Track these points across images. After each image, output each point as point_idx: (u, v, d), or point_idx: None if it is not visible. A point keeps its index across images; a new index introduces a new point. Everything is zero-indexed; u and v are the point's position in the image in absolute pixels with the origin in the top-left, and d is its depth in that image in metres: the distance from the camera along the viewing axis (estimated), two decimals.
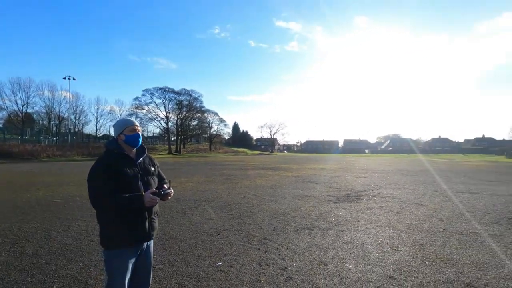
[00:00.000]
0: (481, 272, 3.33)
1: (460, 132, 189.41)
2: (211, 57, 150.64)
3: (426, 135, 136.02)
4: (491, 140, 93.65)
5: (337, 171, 18.25)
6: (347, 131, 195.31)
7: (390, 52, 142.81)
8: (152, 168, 2.13)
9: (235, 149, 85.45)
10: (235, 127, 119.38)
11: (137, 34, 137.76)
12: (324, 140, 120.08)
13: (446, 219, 5.89)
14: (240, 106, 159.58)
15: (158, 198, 1.88)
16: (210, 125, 78.18)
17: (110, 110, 62.30)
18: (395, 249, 4.10)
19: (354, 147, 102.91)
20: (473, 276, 3.23)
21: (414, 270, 3.39)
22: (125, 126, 2.03)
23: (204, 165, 24.65)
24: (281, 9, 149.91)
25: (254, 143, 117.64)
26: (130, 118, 2.24)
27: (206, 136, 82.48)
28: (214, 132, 79.92)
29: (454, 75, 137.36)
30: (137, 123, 2.12)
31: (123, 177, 1.87)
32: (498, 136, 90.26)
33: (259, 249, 4.10)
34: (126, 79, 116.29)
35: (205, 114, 74.23)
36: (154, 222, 2.09)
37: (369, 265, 3.55)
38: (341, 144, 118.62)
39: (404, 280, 3.15)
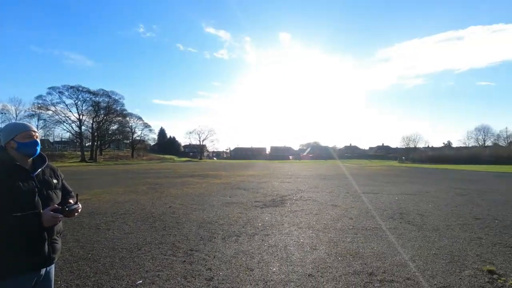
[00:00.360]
0: (380, 262, 3.89)
1: (366, 141, 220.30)
2: (135, 57, 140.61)
3: (340, 143, 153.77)
4: (388, 148, 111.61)
5: (264, 177, 18.99)
6: (274, 138, 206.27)
7: (309, 67, 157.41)
8: (55, 181, 1.83)
9: (162, 156, 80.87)
10: (162, 132, 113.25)
11: (38, 21, 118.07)
12: (253, 147, 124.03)
13: (355, 217, 6.72)
14: (167, 110, 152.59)
15: (60, 215, 1.62)
16: (133, 130, 72.43)
17: (2, 109, 51.75)
18: (313, 248, 4.46)
19: (280, 154, 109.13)
20: (374, 266, 3.75)
21: (329, 266, 3.75)
22: (17, 132, 1.71)
23: (125, 174, 22.55)
24: (210, 16, 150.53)
25: (182, 149, 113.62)
26: (24, 123, 1.88)
27: (128, 142, 75.92)
28: (138, 138, 74.27)
29: (360, 91, 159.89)
30: (34, 127, 1.80)
31: (15, 193, 1.56)
32: (393, 145, 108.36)
33: (184, 261, 3.93)
34: (26, 73, 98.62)
35: (127, 118, 68.51)
36: (56, 243, 1.79)
37: (291, 265, 3.77)
38: (268, 151, 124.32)
39: (321, 276, 3.45)
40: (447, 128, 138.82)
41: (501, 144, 68.05)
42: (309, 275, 3.47)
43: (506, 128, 71.47)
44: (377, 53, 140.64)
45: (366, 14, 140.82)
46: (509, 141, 67.35)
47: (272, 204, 8.53)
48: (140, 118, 72.43)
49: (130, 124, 71.08)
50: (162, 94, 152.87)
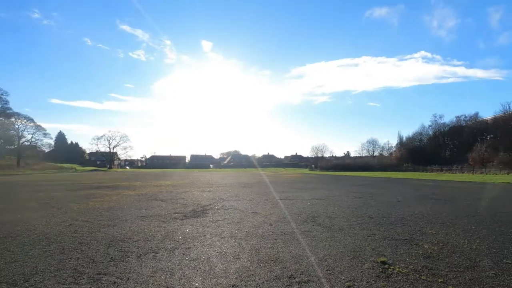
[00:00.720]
0: (298, 264, 4.16)
1: (282, 150, 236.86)
2: (25, 45, 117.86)
3: (259, 152, 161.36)
4: (301, 157, 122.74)
5: (184, 187, 18.24)
6: (194, 146, 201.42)
7: (229, 78, 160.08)
8: None
9: (60, 165, 69.02)
10: (61, 137, 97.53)
11: None
12: (171, 155, 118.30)
13: (274, 223, 7.06)
14: (69, 112, 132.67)
15: None
16: (20, 134, 59.95)
17: None
18: (236, 258, 4.46)
19: (200, 162, 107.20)
20: (293, 269, 3.98)
21: (252, 274, 3.80)
22: None
23: (6, 187, 18.30)
24: (126, 12, 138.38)
25: (88, 157, 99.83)
26: None
27: (13, 147, 62.49)
28: (27, 143, 61.77)
29: (277, 104, 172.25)
30: None
31: None
32: (305, 154, 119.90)
33: None
34: None
35: (12, 119, 56.40)
36: None
37: (215, 278, 3.67)
38: (188, 159, 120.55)
39: (245, 285, 3.46)
40: (347, 139, 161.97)
41: (384, 154, 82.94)
42: (233, 286, 3.44)
43: (388, 141, 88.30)
44: (292, 70, 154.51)
45: (282, 34, 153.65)
46: (390, 152, 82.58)
47: (193, 215, 8.22)
48: (30, 120, 60.71)
49: (17, 126, 58.70)
50: (62, 93, 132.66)
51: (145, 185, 20.07)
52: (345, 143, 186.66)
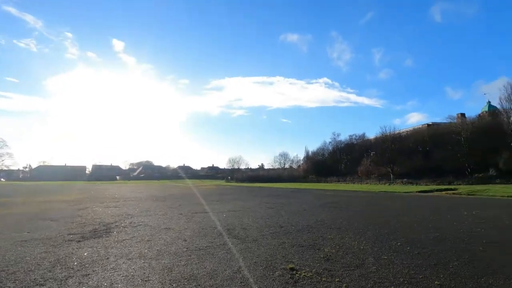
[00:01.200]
0: (213, 279, 4.10)
1: (198, 161, 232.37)
2: None
3: (174, 163, 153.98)
4: (217, 169, 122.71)
5: (82, 202, 15.81)
6: (98, 156, 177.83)
7: (143, 83, 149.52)
8: None
9: None
10: None
11: None
12: (67, 165, 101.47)
13: (189, 238, 6.80)
14: None
15: None
16: None
17: None
18: (145, 280, 4.09)
19: (104, 174, 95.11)
20: (208, 285, 3.90)
21: None
22: None
23: None
24: None
25: None
26: None
27: None
28: None
29: (195, 114, 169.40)
30: None
31: None
32: (221, 165, 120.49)
33: None
34: None
35: None
36: None
37: None
38: (88, 170, 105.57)
39: None
40: (262, 152, 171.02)
41: (294, 167, 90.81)
42: None
43: (297, 155, 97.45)
44: (212, 82, 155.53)
45: (202, 45, 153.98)
46: (298, 165, 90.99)
47: (94, 235, 7.19)
48: None
49: None
50: None
51: (29, 201, 16.53)
52: (260, 155, 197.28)
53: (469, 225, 8.18)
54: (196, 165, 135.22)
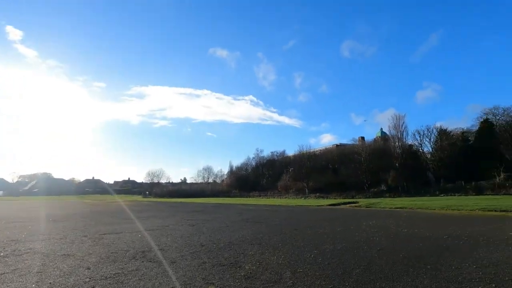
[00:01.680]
0: None
1: (112, 174, 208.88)
2: None
3: (81, 176, 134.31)
4: (134, 182, 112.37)
5: None
6: None
7: (46, 82, 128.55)
8: None
9: None
10: None
11: None
12: None
13: (93, 266, 5.89)
14: None
15: None
16: None
17: None
18: None
19: None
20: None
21: None
22: None
23: None
24: None
25: None
26: None
27: None
28: None
29: (109, 123, 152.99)
30: None
31: None
32: (139, 179, 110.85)
33: None
34: None
35: None
36: None
37: None
38: None
39: None
40: (186, 166, 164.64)
41: (217, 181, 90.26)
42: None
43: (221, 169, 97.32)
44: (133, 88, 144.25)
45: (124, 46, 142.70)
46: (222, 179, 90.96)
47: None
48: None
49: None
50: None
51: None
52: (183, 169, 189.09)
53: (367, 235, 9.44)
54: (109, 179, 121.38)
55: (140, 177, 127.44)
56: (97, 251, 7.35)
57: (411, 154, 44.60)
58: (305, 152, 57.44)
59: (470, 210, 16.83)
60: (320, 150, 64.29)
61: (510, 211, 15.47)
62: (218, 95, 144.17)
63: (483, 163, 35.65)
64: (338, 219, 14.53)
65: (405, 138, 45.76)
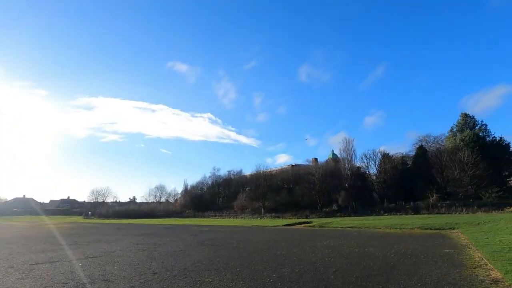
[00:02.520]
0: None
1: (48, 192, 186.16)
2: None
3: (7, 194, 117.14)
4: (74, 202, 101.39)
5: None
6: None
7: None
8: None
9: None
10: None
11: None
12: None
13: None
14: None
15: None
16: None
17: None
18: None
19: None
20: None
21: None
22: None
23: None
24: None
25: None
26: None
27: None
28: None
29: (50, 135, 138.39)
30: None
31: None
32: (81, 198, 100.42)
33: None
34: None
35: None
36: None
37: None
38: None
39: None
40: (136, 184, 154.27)
41: (170, 201, 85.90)
42: None
43: (175, 188, 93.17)
44: (79, 99, 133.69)
45: (69, 50, 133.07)
46: (175, 198, 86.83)
47: None
48: None
49: None
50: None
51: None
52: (134, 187, 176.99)
53: (322, 255, 9.67)
54: (44, 198, 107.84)
55: (83, 196, 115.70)
56: (27, 285, 6.33)
57: (359, 175, 47.85)
58: (261, 171, 58.02)
59: (411, 228, 18.44)
60: (276, 170, 65.61)
61: (443, 229, 17.34)
62: (175, 110, 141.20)
63: (419, 185, 39.77)
64: (294, 240, 14.69)
65: (354, 161, 49.21)
